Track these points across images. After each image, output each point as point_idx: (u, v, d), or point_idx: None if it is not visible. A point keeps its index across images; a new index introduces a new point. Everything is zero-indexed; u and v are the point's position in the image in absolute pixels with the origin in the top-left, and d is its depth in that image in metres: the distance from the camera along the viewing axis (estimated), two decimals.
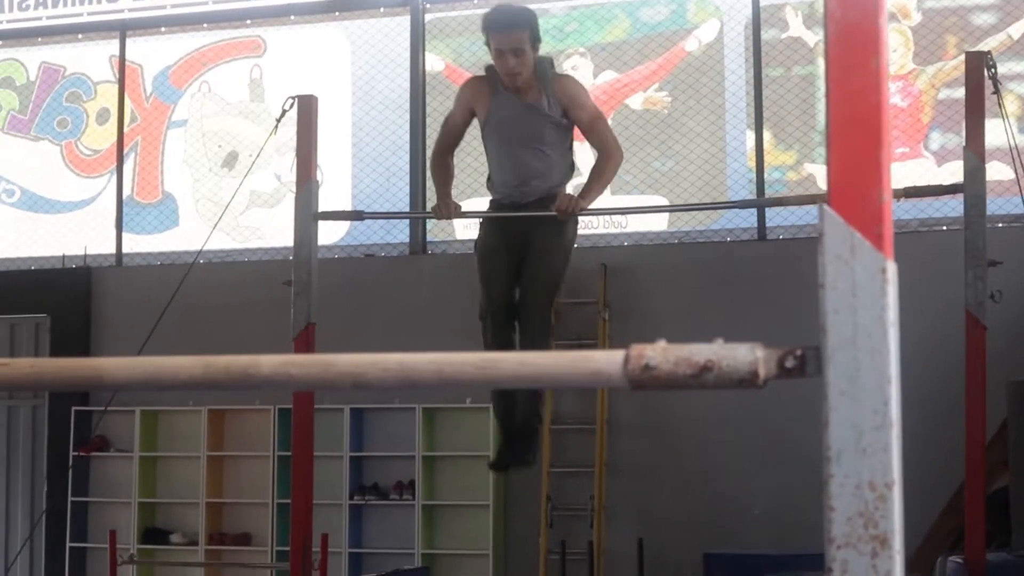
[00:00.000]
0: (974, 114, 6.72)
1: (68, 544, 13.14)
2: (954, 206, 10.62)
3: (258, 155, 8.76)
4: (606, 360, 1.91)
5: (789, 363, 1.88)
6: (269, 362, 2.02)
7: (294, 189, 13.26)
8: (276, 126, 7.45)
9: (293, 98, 7.22)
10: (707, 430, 11.84)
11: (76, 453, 13.25)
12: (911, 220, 11.69)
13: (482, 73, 7.41)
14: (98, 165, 14.14)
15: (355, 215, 8.04)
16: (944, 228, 11.65)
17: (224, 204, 13.40)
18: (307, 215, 7.15)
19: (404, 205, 13.02)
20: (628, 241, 12.50)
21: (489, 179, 7.45)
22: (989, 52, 7.15)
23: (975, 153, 6.61)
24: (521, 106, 7.12)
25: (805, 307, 11.64)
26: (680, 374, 1.87)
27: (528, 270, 7.11)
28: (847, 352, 1.85)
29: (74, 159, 14.23)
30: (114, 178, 14.00)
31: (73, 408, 13.33)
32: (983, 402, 6.96)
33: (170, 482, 13.38)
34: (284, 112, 7.31)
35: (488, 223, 7.37)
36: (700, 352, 1.87)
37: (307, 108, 7.12)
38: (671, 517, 11.82)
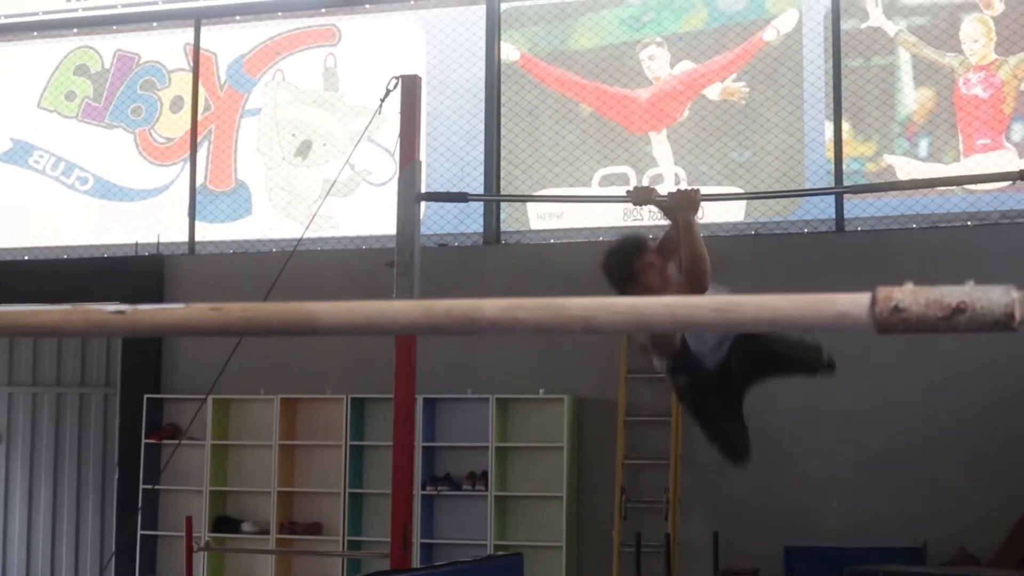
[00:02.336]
0: None
1: (139, 532, 13.15)
2: None
3: (361, 136, 8.72)
4: (851, 302, 1.84)
5: None
6: (493, 306, 1.96)
7: (368, 178, 13.38)
8: (380, 106, 7.41)
9: (397, 78, 7.18)
10: (781, 423, 11.74)
11: (148, 441, 13.28)
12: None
13: None
14: (171, 153, 14.15)
15: (459, 196, 8.00)
16: None
17: (297, 193, 13.45)
18: (410, 195, 7.10)
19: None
20: (704, 232, 12.34)
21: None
22: None
23: None
24: None
25: None
26: (931, 316, 1.80)
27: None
28: None
29: (148, 147, 14.25)
30: (187, 166, 14.02)
31: (145, 396, 13.35)
32: None
33: (241, 471, 13.37)
34: (388, 92, 7.26)
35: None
36: (952, 294, 1.80)
37: (411, 88, 7.08)
38: (746, 510, 11.73)
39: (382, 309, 2.03)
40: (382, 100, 7.32)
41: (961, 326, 1.81)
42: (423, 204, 12.00)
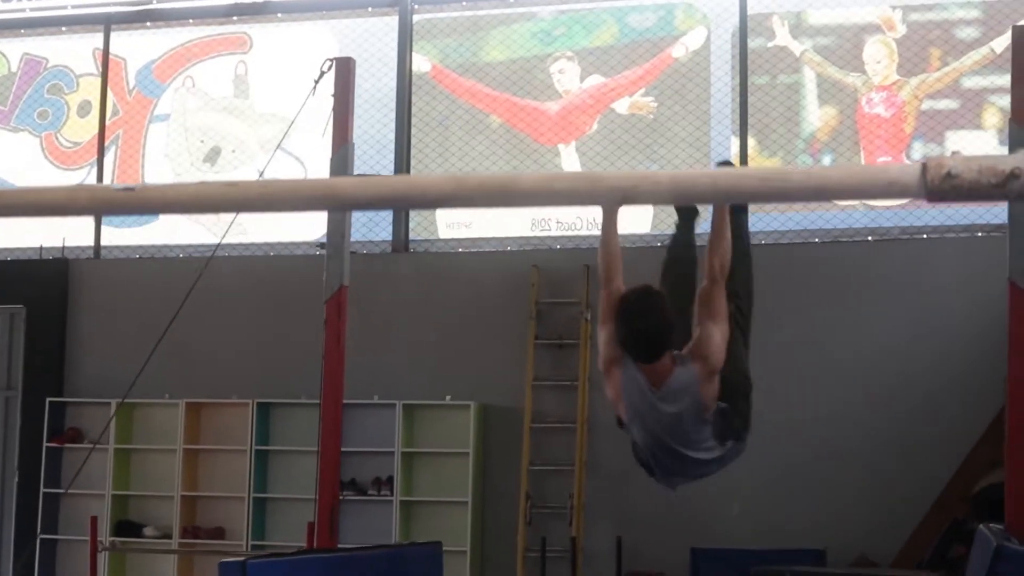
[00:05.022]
0: (1020, 86, 6.84)
1: (39, 535, 13.01)
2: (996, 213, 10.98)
3: (287, 129, 8.74)
4: (902, 171, 1.92)
5: None
6: (530, 178, 2.04)
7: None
8: (314, 87, 7.46)
9: (331, 60, 7.25)
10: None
11: (49, 444, 13.16)
12: (953, 225, 11.93)
13: None
14: (78, 157, 14.08)
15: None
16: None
17: None
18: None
19: None
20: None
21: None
22: None
23: (1021, 125, 6.74)
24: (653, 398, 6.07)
25: (786, 311, 11.67)
26: (984, 183, 1.86)
27: None
28: None
29: (54, 151, 14.16)
30: (94, 171, 13.95)
31: (47, 399, 13.23)
32: None
33: (145, 475, 13.28)
34: (322, 74, 7.31)
35: None
36: (1006, 162, 1.86)
37: (345, 71, 7.16)
38: (650, 515, 11.84)
39: (410, 183, 2.12)
40: (316, 81, 7.38)
41: (1013, 193, 1.86)
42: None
